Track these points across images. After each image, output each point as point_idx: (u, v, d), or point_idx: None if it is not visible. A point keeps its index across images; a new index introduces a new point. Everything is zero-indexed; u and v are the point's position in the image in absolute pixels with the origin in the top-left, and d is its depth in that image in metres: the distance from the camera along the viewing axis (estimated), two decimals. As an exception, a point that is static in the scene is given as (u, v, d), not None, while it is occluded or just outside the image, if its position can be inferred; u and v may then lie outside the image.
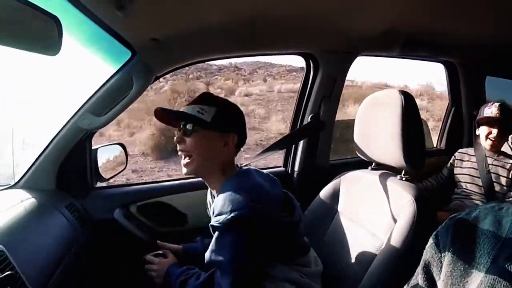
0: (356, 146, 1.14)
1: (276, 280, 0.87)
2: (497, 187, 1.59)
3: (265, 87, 10.65)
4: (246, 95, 10.24)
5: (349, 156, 1.75)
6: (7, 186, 1.12)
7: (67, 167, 1.19)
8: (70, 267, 0.98)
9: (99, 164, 1.29)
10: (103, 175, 1.30)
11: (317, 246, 1.04)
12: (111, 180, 1.37)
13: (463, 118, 1.96)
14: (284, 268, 0.89)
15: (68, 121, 1.12)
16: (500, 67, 1.91)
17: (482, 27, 1.33)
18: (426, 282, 0.45)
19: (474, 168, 1.67)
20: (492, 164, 1.62)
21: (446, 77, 1.98)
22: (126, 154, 1.39)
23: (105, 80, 1.12)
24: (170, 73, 1.29)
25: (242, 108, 0.98)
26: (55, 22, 0.56)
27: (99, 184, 1.33)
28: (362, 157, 1.14)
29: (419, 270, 0.47)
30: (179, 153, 0.91)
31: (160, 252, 1.04)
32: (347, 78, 1.55)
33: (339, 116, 1.65)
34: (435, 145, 2.12)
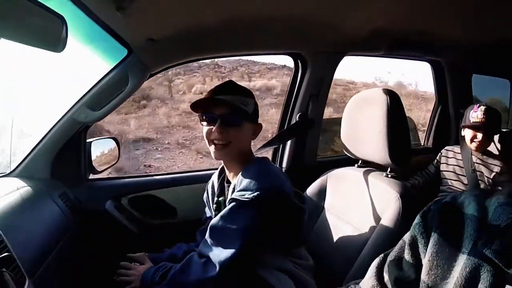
0: (343, 144, 1.17)
1: (271, 268, 0.90)
2: (482, 185, 1.61)
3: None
4: (201, 92, 10.03)
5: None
6: (2, 174, 1.15)
7: (62, 158, 1.23)
8: (61, 254, 1.01)
9: (93, 156, 1.32)
10: (96, 167, 1.34)
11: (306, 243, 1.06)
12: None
13: (450, 116, 1.98)
14: (280, 258, 0.92)
15: (65, 114, 1.16)
16: (486, 65, 1.93)
17: (467, 26, 1.36)
18: (412, 258, 0.45)
19: (459, 166, 1.69)
20: (476, 163, 1.64)
21: (433, 76, 2.00)
22: (119, 148, 1.43)
23: (101, 76, 1.16)
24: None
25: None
26: (61, 20, 0.61)
27: (92, 176, 1.37)
28: (349, 155, 1.17)
29: (405, 245, 0.47)
30: (215, 141, 0.92)
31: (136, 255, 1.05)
32: (347, 80, 1.59)
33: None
34: (422, 143, 2.14)
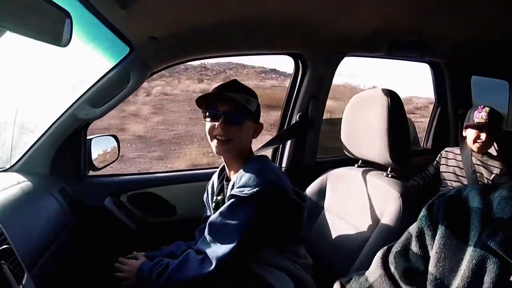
0: (343, 144, 1.17)
1: (269, 266, 0.90)
2: None
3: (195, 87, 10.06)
4: (165, 94, 9.94)
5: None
6: (2, 169, 1.16)
7: (62, 154, 1.23)
8: (60, 249, 1.01)
9: (93, 153, 1.33)
10: (95, 164, 1.34)
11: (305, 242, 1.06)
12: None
13: (449, 118, 1.99)
14: (278, 256, 0.92)
15: (66, 111, 1.17)
16: (485, 66, 1.94)
17: (467, 28, 1.37)
18: (420, 249, 0.45)
19: (459, 167, 1.69)
20: (476, 164, 1.65)
21: (432, 77, 2.01)
22: (119, 145, 1.43)
23: (103, 74, 1.17)
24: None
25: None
26: (66, 15, 0.62)
27: (91, 173, 1.37)
28: (349, 155, 1.17)
29: (411, 237, 0.47)
30: (217, 137, 0.93)
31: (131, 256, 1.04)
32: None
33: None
34: (421, 145, 2.14)
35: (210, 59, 1.36)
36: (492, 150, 1.68)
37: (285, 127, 1.59)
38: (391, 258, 0.49)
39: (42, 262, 0.89)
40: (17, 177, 1.08)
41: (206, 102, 0.95)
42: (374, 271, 0.49)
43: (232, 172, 1.01)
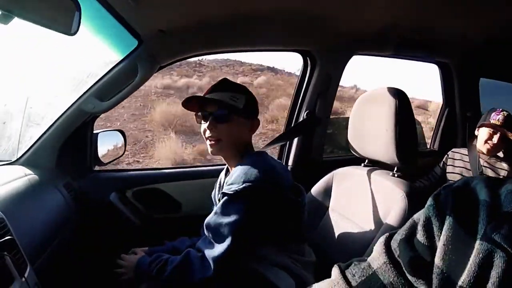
0: (350, 143, 1.16)
1: (270, 264, 0.90)
2: None
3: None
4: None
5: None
6: (8, 162, 1.15)
7: (68, 148, 1.23)
8: (63, 243, 1.01)
9: (99, 148, 1.32)
10: (101, 159, 1.33)
11: (309, 241, 1.05)
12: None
13: (457, 119, 1.97)
14: (279, 254, 0.92)
15: (73, 104, 1.16)
16: (493, 69, 1.92)
17: (477, 29, 1.36)
18: (427, 240, 0.44)
19: (466, 168, 1.68)
20: (484, 166, 1.64)
21: (440, 78, 1.99)
22: (125, 140, 1.42)
23: (111, 67, 1.16)
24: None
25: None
26: (76, 4, 0.61)
27: (97, 168, 1.36)
28: (355, 154, 1.16)
29: (417, 225, 0.46)
30: (209, 139, 0.95)
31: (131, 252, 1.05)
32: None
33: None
34: (428, 146, 2.13)
35: (211, 55, 1.34)
36: (500, 152, 1.67)
37: (292, 125, 1.58)
38: (394, 245, 0.47)
39: (45, 256, 0.88)
40: (23, 170, 1.07)
41: (197, 105, 0.97)
42: (377, 258, 0.47)
43: (232, 169, 1.00)
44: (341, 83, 1.60)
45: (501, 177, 1.59)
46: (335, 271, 0.51)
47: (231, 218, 0.86)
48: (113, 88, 1.18)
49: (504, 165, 1.62)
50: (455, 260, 0.40)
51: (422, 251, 0.44)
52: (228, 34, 1.25)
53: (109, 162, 1.38)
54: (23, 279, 0.66)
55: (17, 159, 1.16)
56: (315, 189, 1.23)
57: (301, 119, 1.55)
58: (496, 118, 1.60)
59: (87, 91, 1.16)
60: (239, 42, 1.36)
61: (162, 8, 0.98)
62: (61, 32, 0.63)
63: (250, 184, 0.85)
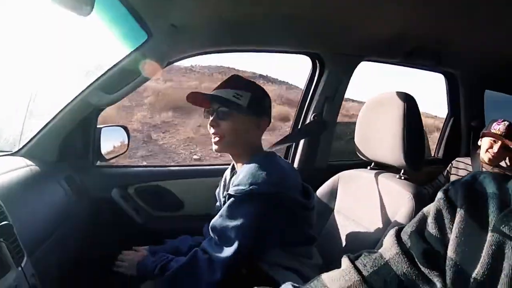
0: (357, 147, 1.16)
1: (277, 266, 0.88)
2: None
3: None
4: None
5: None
6: (9, 152, 1.12)
7: (70, 141, 1.20)
8: (62, 237, 0.97)
9: (102, 143, 1.30)
10: (104, 155, 1.31)
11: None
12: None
13: (461, 128, 1.99)
14: (286, 256, 0.90)
15: (78, 96, 1.13)
16: (499, 81, 1.95)
17: (486, 40, 1.36)
18: (439, 232, 0.43)
19: None
20: None
21: (446, 87, 2.01)
22: (129, 137, 1.40)
23: (118, 60, 1.15)
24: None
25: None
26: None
27: (99, 163, 1.34)
28: (362, 158, 1.15)
29: (428, 218, 0.45)
30: (212, 134, 0.94)
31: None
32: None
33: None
34: (432, 154, 2.14)
35: (229, 52, 1.34)
36: (503, 162, 1.70)
37: (299, 127, 1.57)
38: (404, 237, 0.46)
39: (43, 248, 0.85)
40: (24, 161, 1.05)
41: (206, 102, 0.97)
42: (389, 249, 0.47)
43: (238, 167, 0.99)
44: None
45: None
46: (345, 261, 0.51)
47: (238, 222, 0.84)
48: (119, 81, 1.16)
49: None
50: (468, 252, 0.40)
51: (434, 243, 0.43)
52: (238, 33, 1.24)
53: (112, 158, 1.35)
54: (20, 268, 0.62)
55: (18, 150, 1.13)
56: (321, 191, 1.22)
57: (308, 121, 1.54)
58: (497, 128, 1.63)
59: (92, 83, 1.14)
60: (249, 42, 1.36)
61: (177, 3, 0.97)
62: (75, 12, 0.61)
63: (256, 186, 0.83)
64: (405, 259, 0.44)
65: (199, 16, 1.08)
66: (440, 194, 0.45)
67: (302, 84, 1.63)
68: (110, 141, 1.38)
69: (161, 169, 1.47)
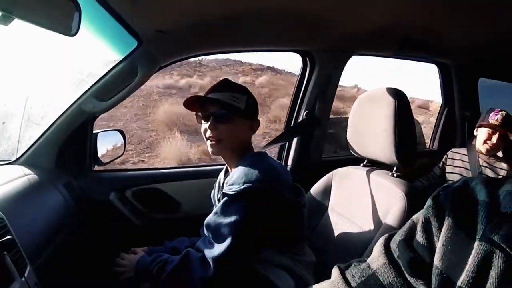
0: (349, 143, 1.16)
1: (270, 265, 0.90)
2: None
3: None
4: None
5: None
6: (8, 162, 1.15)
7: (67, 148, 1.22)
8: (63, 243, 1.01)
9: (98, 148, 1.32)
10: (101, 159, 1.33)
11: (308, 241, 1.05)
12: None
13: (456, 119, 1.97)
14: (279, 254, 0.92)
15: (73, 104, 1.15)
16: (492, 69, 1.93)
17: (477, 29, 1.35)
18: (426, 241, 0.44)
19: (465, 168, 1.68)
20: (483, 166, 1.64)
21: (439, 78, 1.99)
22: (125, 141, 1.42)
23: (110, 67, 1.16)
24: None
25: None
26: (76, 6, 0.61)
27: (96, 168, 1.36)
28: (355, 154, 1.16)
29: (416, 226, 0.46)
30: (210, 139, 0.95)
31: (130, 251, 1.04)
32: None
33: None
34: (427, 146, 2.13)
35: (211, 55, 1.35)
36: (499, 152, 1.68)
37: (291, 125, 1.58)
38: (393, 246, 0.47)
39: (45, 255, 0.88)
40: (22, 169, 1.07)
41: (198, 105, 0.97)
42: (377, 259, 0.48)
43: (232, 169, 1.01)
44: (342, 83, 1.61)
45: (501, 176, 1.59)
46: (335, 272, 0.52)
47: (231, 219, 0.86)
48: (113, 88, 1.18)
49: (503, 165, 1.62)
50: (454, 260, 0.40)
51: (421, 251, 0.44)
52: (227, 34, 1.24)
53: (109, 162, 1.38)
54: (23, 279, 0.66)
55: (17, 159, 1.16)
56: (315, 189, 1.23)
57: (300, 119, 1.55)
58: (494, 118, 1.60)
59: (87, 91, 1.16)
60: (238, 42, 1.36)
61: (161, 8, 0.98)
62: (61, 33, 0.63)
63: (250, 184, 0.85)
64: (391, 269, 0.45)
65: (186, 20, 1.09)
66: (429, 202, 0.46)
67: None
68: (107, 145, 1.40)
69: (158, 171, 1.49)
